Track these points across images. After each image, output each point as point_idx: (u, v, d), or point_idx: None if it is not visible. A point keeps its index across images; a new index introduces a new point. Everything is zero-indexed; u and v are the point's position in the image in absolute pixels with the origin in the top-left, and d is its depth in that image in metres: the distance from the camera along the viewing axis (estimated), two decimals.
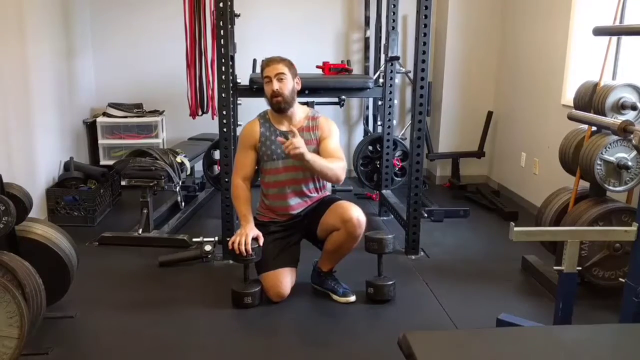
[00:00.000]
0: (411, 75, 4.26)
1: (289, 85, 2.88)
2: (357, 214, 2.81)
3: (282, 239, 2.96)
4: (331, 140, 2.94)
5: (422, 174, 3.62)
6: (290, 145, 2.64)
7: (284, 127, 2.92)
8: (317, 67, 4.34)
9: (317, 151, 2.90)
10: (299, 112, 2.98)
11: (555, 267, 2.32)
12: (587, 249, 2.89)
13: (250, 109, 4.90)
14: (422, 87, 3.43)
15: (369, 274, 2.99)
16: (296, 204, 2.97)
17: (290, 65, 2.93)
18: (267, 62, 2.90)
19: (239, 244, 2.76)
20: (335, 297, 2.93)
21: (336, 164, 2.85)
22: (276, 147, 2.90)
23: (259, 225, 2.93)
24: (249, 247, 2.76)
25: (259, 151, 2.95)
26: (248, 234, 2.80)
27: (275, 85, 2.84)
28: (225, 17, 3.23)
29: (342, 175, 2.87)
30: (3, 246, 2.41)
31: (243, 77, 4.12)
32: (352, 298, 2.91)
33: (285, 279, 2.88)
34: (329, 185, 3.13)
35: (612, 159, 2.90)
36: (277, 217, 3.00)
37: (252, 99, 4.08)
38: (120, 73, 5.24)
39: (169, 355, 2.49)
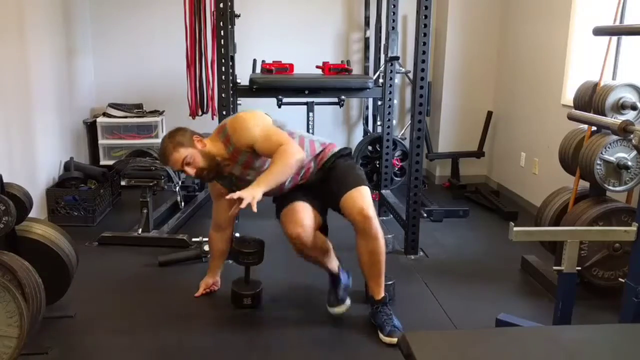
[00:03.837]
0: (411, 75, 4.26)
1: (197, 159, 2.56)
2: (359, 205, 2.55)
3: (299, 190, 2.71)
4: (254, 137, 2.52)
5: (421, 173, 3.62)
6: (237, 203, 2.30)
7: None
8: (317, 67, 4.35)
9: (251, 159, 2.60)
10: (218, 147, 2.62)
11: (555, 267, 2.32)
12: (587, 249, 2.89)
13: (250, 109, 4.95)
14: (421, 87, 3.43)
15: None
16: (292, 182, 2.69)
17: (179, 144, 2.56)
18: (164, 160, 2.65)
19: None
20: (380, 335, 2.58)
21: (280, 161, 2.43)
22: (228, 178, 2.71)
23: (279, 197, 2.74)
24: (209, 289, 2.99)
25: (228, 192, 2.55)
26: (204, 282, 3.01)
27: (190, 172, 2.58)
28: (225, 17, 3.23)
29: (296, 156, 2.45)
30: (3, 246, 2.41)
31: (243, 77, 4.13)
32: (395, 340, 2.49)
33: (303, 210, 2.58)
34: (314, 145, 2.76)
35: (612, 158, 2.90)
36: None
37: (252, 99, 4.09)
38: (120, 73, 5.24)
39: (168, 356, 2.49)
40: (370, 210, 2.57)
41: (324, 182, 2.74)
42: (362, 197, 2.60)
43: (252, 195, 2.30)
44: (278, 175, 2.43)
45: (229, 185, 2.71)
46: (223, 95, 3.33)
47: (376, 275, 2.65)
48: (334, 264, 2.81)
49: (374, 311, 2.67)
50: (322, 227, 2.76)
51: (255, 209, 2.29)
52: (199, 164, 2.57)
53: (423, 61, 3.38)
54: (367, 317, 2.70)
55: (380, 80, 4.50)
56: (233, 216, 2.78)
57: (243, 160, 2.61)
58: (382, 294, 2.66)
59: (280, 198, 2.75)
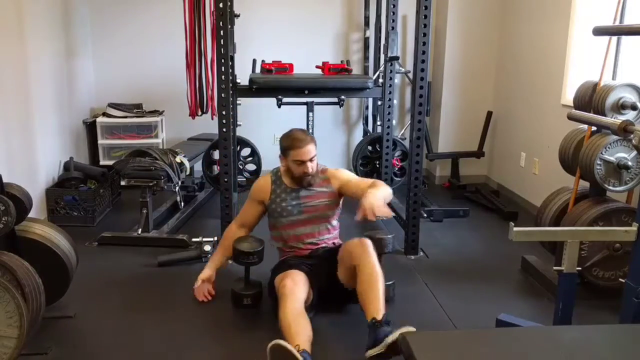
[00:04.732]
0: (411, 75, 4.27)
1: (315, 162, 2.86)
2: (359, 242, 2.67)
3: (301, 263, 2.81)
4: (352, 178, 2.96)
5: (421, 173, 3.62)
6: (369, 212, 2.51)
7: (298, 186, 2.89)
8: (317, 67, 4.35)
9: (336, 202, 2.92)
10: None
11: (555, 268, 2.32)
12: (587, 249, 2.88)
13: (250, 108, 4.96)
14: (421, 87, 3.42)
15: None
16: (311, 245, 2.93)
17: (314, 140, 2.87)
18: (299, 143, 2.79)
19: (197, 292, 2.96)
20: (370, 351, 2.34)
21: (383, 185, 2.77)
22: (287, 205, 2.87)
23: (283, 262, 2.87)
24: (205, 292, 2.95)
25: (267, 208, 2.94)
26: (200, 279, 2.98)
27: (310, 168, 2.80)
28: (225, 17, 3.23)
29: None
30: (3, 246, 2.40)
31: (243, 77, 4.13)
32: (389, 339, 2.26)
33: (297, 276, 2.64)
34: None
35: (612, 158, 2.90)
36: (297, 252, 2.93)
37: (251, 99, 4.09)
38: (120, 73, 5.24)
39: (167, 355, 2.49)
40: (365, 241, 2.65)
41: (326, 261, 2.81)
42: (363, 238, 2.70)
43: (379, 203, 2.56)
44: (384, 191, 2.70)
45: (288, 209, 2.89)
46: (223, 95, 3.33)
47: (375, 298, 2.45)
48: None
49: (373, 332, 2.34)
50: (311, 307, 2.69)
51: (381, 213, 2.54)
52: (315, 167, 2.85)
53: (423, 61, 3.38)
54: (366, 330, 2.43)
55: (380, 80, 4.50)
56: (255, 223, 3.04)
57: (322, 191, 2.90)
58: (383, 312, 2.41)
59: (280, 266, 2.83)
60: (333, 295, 2.79)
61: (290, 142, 2.81)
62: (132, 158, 3.90)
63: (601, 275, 2.93)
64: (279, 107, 4.05)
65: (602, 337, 1.55)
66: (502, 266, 3.45)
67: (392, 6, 4.18)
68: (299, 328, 2.36)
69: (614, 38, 2.98)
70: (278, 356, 2.21)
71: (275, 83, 4.05)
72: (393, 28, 4.23)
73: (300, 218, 2.89)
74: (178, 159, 4.00)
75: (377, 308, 2.40)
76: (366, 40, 5.35)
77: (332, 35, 5.39)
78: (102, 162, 4.92)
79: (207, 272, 3.00)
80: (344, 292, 2.71)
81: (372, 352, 2.27)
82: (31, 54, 3.94)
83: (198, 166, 4.84)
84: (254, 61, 4.53)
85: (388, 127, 4.32)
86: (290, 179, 2.88)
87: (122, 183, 3.78)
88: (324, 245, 2.93)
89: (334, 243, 2.96)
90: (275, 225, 2.96)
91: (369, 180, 2.88)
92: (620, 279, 2.64)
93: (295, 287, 2.56)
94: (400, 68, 5.15)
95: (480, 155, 5.18)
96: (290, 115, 4.76)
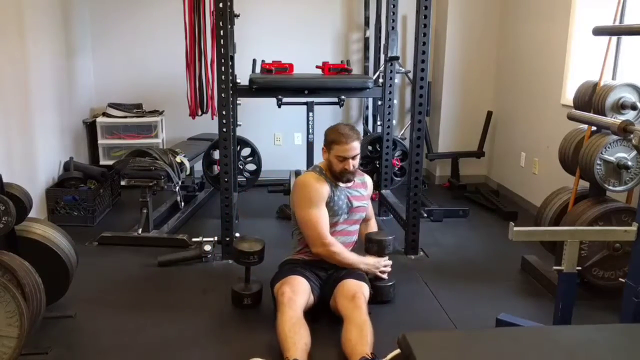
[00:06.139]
0: (411, 75, 4.27)
1: (358, 160, 2.85)
2: (354, 288, 2.64)
3: (303, 270, 2.80)
4: (370, 204, 3.07)
5: (421, 173, 3.62)
6: (387, 269, 2.93)
7: (341, 183, 2.87)
8: (317, 67, 4.34)
9: (360, 199, 2.94)
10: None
11: (555, 267, 2.32)
12: (587, 249, 2.88)
13: (250, 109, 4.96)
14: (421, 87, 3.42)
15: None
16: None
17: (360, 137, 2.84)
18: (344, 138, 2.75)
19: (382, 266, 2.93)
20: None
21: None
22: (342, 204, 2.85)
23: (289, 263, 2.88)
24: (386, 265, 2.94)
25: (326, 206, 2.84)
26: (374, 261, 2.91)
27: (351, 165, 2.79)
28: (225, 17, 3.23)
29: None
30: (3, 246, 2.40)
31: (243, 77, 4.13)
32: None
33: (297, 284, 2.63)
34: None
35: (612, 158, 2.90)
36: (307, 258, 2.89)
37: (251, 99, 4.08)
38: (120, 73, 5.24)
39: (168, 356, 2.49)
40: (363, 295, 2.62)
41: (334, 275, 2.80)
42: (360, 286, 2.67)
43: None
44: None
45: (343, 207, 2.88)
46: (223, 95, 3.33)
47: (363, 348, 2.34)
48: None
49: None
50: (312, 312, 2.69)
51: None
52: (357, 166, 2.84)
53: (423, 61, 3.38)
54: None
55: (380, 80, 4.50)
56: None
57: (361, 194, 2.95)
58: (371, 350, 2.34)
59: (286, 266, 2.83)
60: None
61: (335, 136, 2.78)
62: (132, 158, 3.90)
63: (601, 275, 2.93)
64: (279, 107, 4.05)
65: (602, 336, 1.55)
66: (502, 266, 3.45)
67: (392, 6, 4.18)
68: (296, 338, 2.35)
69: (614, 38, 2.98)
70: None
71: (275, 83, 4.05)
72: (393, 28, 4.22)
73: (346, 218, 2.89)
74: (178, 159, 4.01)
75: (365, 352, 2.31)
76: (366, 41, 5.35)
77: (332, 35, 5.39)
78: (102, 162, 4.93)
79: (366, 259, 2.90)
80: None
81: None
82: (31, 54, 3.94)
83: (198, 166, 4.84)
84: (254, 61, 4.53)
85: (388, 127, 4.32)
86: (331, 173, 2.85)
87: (122, 183, 3.78)
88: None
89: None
90: None
91: (373, 223, 3.12)
92: (620, 279, 2.65)
93: (295, 296, 2.55)
94: (400, 68, 5.15)
95: (480, 155, 5.18)
96: (290, 116, 4.77)
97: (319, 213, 2.77)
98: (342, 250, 2.81)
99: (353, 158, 2.78)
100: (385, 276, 2.94)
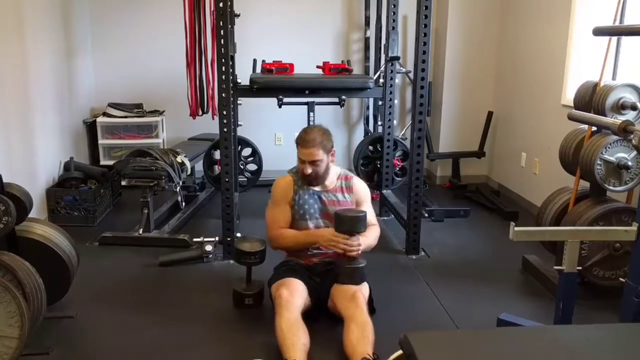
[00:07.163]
0: (411, 75, 4.27)
1: (323, 166, 2.77)
2: (354, 289, 2.61)
3: (299, 271, 2.79)
4: (368, 207, 2.87)
5: (422, 174, 3.62)
6: (353, 248, 2.60)
7: (317, 187, 2.84)
8: (317, 67, 4.35)
9: (342, 204, 2.84)
10: (332, 173, 2.87)
11: (555, 267, 2.32)
12: (587, 249, 2.89)
13: (251, 108, 4.96)
14: (422, 87, 3.43)
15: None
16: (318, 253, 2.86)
17: (324, 143, 2.76)
18: (303, 143, 2.74)
19: (342, 244, 2.63)
20: None
21: (374, 235, 2.83)
22: (309, 207, 2.81)
23: (285, 264, 2.84)
24: (349, 242, 2.63)
25: (292, 208, 2.83)
26: (329, 232, 2.68)
27: (309, 170, 2.75)
28: (225, 17, 3.23)
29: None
30: (3, 246, 2.41)
31: (243, 77, 4.13)
32: None
33: (294, 286, 2.62)
34: None
35: (612, 159, 2.90)
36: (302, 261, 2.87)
37: (252, 99, 4.08)
38: (120, 73, 5.24)
39: (169, 356, 2.49)
40: (363, 294, 2.58)
41: (327, 278, 2.77)
42: (360, 288, 2.63)
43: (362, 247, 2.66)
44: (369, 246, 2.78)
45: (310, 211, 2.81)
46: (223, 95, 3.33)
47: (365, 347, 2.35)
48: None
49: None
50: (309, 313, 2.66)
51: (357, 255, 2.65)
52: (320, 171, 2.78)
53: (423, 61, 3.38)
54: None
55: (381, 80, 4.50)
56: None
57: (341, 199, 2.84)
58: (372, 350, 2.35)
59: (282, 268, 2.80)
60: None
61: (299, 138, 2.79)
62: (132, 158, 3.90)
63: (601, 275, 2.93)
64: (280, 107, 4.05)
65: (602, 336, 1.55)
66: (503, 266, 3.45)
67: (392, 6, 4.18)
68: (294, 339, 2.36)
69: (614, 38, 2.98)
70: None
71: (276, 83, 4.05)
72: (394, 28, 4.22)
73: (320, 224, 2.82)
74: (179, 159, 4.01)
75: (367, 352, 2.32)
76: (367, 40, 5.35)
77: (332, 35, 5.39)
78: (102, 162, 4.93)
79: (320, 231, 2.78)
80: None
81: None
82: (31, 53, 3.94)
83: (199, 166, 4.84)
84: (255, 61, 4.54)
85: (389, 127, 4.32)
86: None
87: (123, 183, 3.78)
88: (328, 258, 2.84)
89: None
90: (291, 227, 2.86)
91: (371, 220, 2.81)
92: (621, 279, 2.65)
93: (292, 298, 2.54)
94: (401, 68, 5.15)
95: (481, 155, 5.18)
96: (291, 115, 4.77)
97: (276, 211, 2.83)
98: (286, 231, 2.77)
99: (312, 163, 2.73)
100: (354, 254, 2.63)
